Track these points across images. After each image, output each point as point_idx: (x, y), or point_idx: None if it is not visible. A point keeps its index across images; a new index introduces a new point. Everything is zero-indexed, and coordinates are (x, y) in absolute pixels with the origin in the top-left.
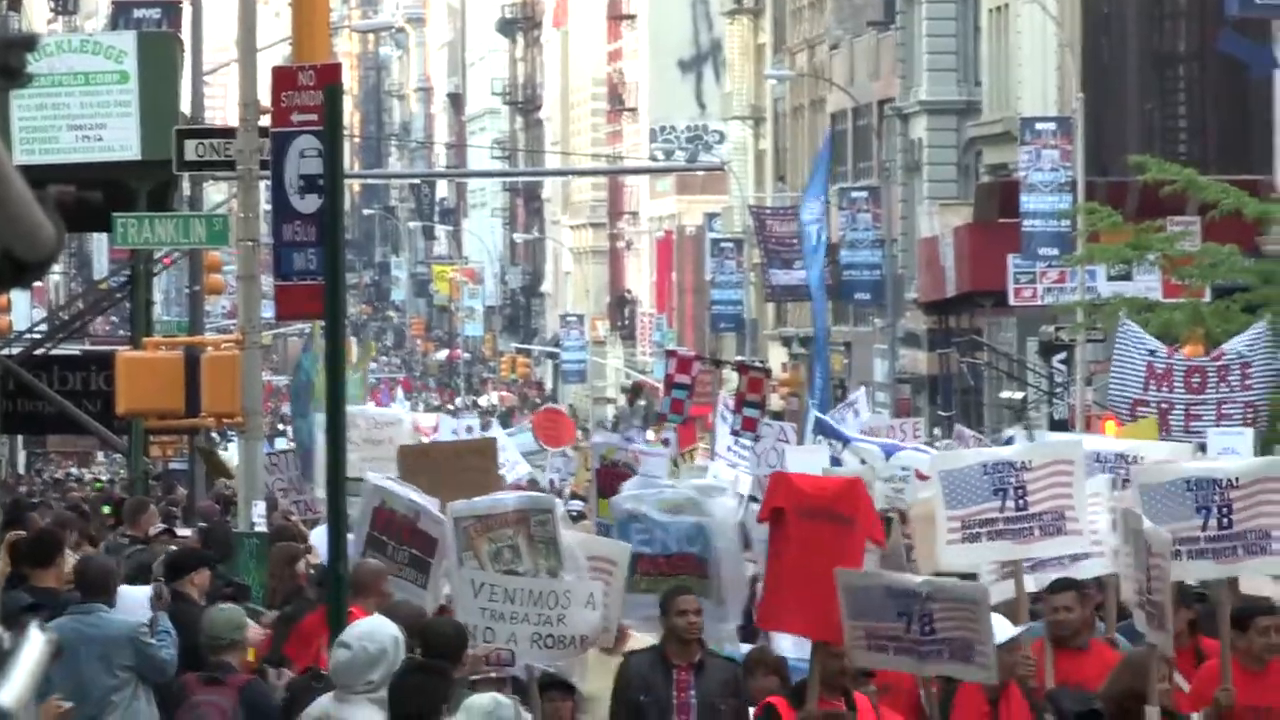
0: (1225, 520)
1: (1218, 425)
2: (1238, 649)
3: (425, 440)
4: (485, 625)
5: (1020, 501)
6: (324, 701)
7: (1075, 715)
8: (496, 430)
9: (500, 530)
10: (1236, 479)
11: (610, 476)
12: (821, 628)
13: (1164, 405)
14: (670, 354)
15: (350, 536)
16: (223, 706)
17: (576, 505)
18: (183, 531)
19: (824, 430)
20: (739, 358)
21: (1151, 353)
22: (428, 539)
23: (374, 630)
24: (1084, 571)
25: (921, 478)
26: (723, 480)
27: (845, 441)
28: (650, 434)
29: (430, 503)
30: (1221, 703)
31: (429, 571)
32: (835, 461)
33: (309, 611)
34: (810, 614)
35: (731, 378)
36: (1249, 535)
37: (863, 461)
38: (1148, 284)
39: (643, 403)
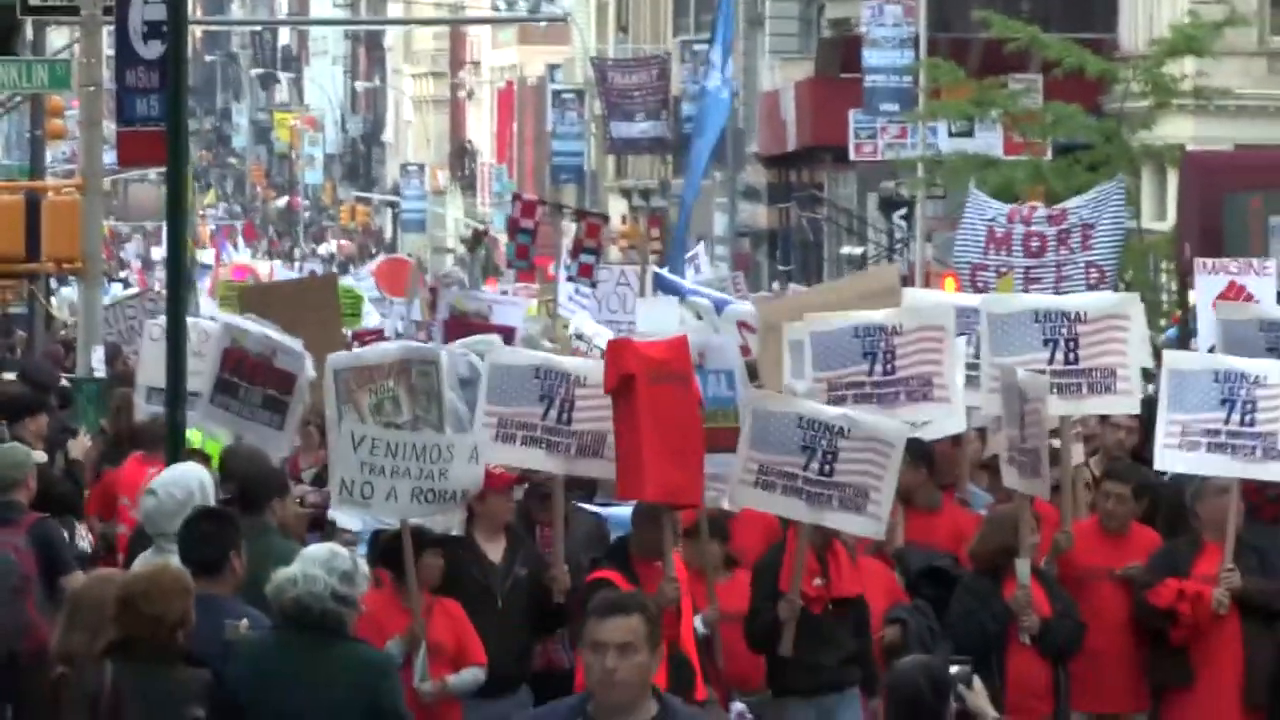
0: (1072, 355)
1: (1056, 287)
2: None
3: None
4: (364, 480)
5: (889, 365)
6: (147, 555)
7: (917, 573)
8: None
9: (381, 381)
10: (1084, 314)
11: (460, 328)
12: (681, 492)
13: (1002, 269)
14: (515, 197)
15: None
16: (17, 544)
17: None
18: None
19: (661, 285)
20: (574, 206)
21: (992, 219)
22: (285, 376)
23: (179, 477)
24: (931, 431)
25: (748, 329)
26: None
27: (681, 295)
28: (486, 288)
29: (287, 339)
30: (1060, 545)
31: (285, 412)
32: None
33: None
34: (670, 479)
35: (571, 230)
36: (1095, 373)
37: (698, 316)
38: (989, 141)
39: (483, 252)
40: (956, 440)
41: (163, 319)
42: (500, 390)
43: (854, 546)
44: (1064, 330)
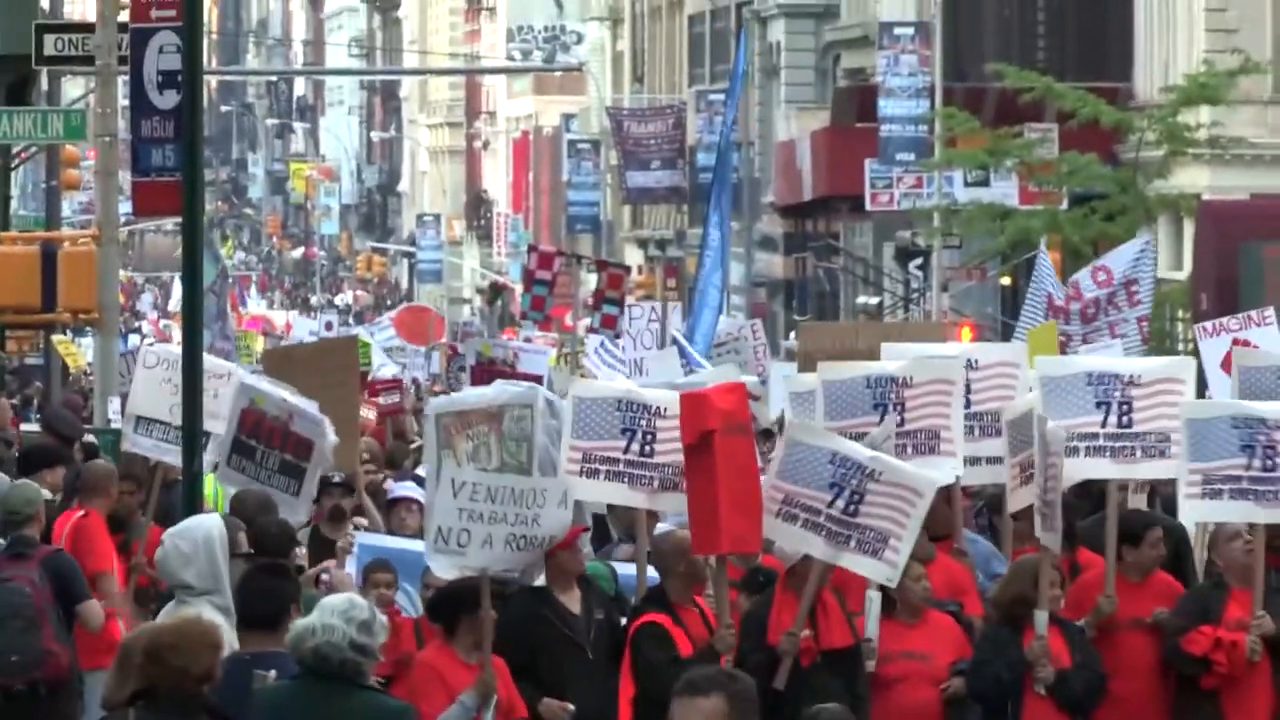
0: (1126, 419)
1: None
2: (1125, 562)
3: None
4: (461, 527)
5: (899, 418)
6: (169, 606)
7: None
8: (359, 331)
9: (478, 426)
10: (1138, 376)
11: (487, 374)
12: (746, 541)
13: (1062, 339)
14: (531, 249)
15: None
16: (31, 578)
17: None
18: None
19: (681, 352)
20: (595, 256)
21: (1052, 290)
22: (302, 442)
23: (189, 528)
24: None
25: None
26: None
27: (693, 367)
28: (504, 338)
29: (305, 403)
30: (1104, 610)
31: (302, 478)
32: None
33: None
34: (738, 530)
35: (589, 280)
36: (1149, 436)
37: None
38: (1005, 190)
39: (500, 304)
40: (947, 491)
41: (158, 346)
42: (583, 424)
43: (920, 601)
44: (1117, 393)
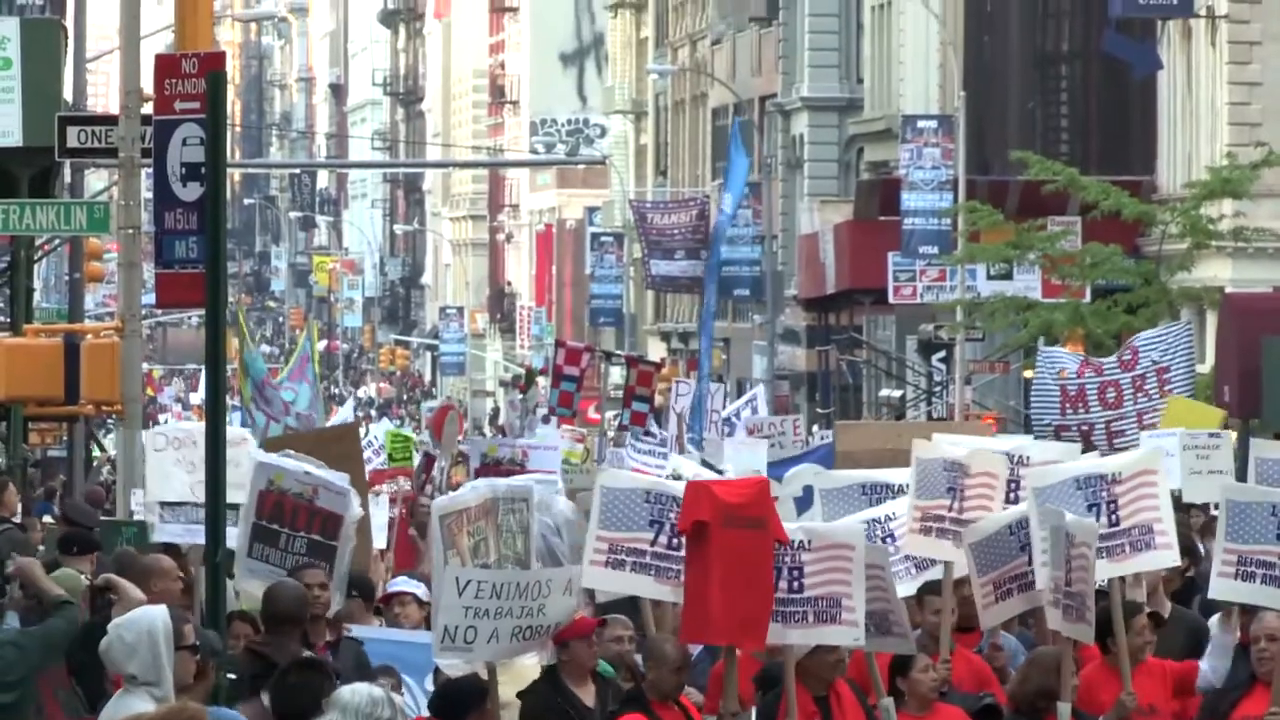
0: (1114, 517)
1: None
2: (1110, 653)
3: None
4: (468, 625)
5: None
6: (116, 696)
7: (973, 714)
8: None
9: (477, 523)
10: (1119, 473)
11: (493, 475)
12: (745, 635)
13: (1084, 427)
14: (559, 344)
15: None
16: None
17: None
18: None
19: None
20: (627, 353)
21: (1063, 378)
22: (330, 517)
23: (134, 619)
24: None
25: None
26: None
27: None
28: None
29: (331, 474)
30: (1127, 706)
31: (333, 559)
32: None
33: None
34: (734, 623)
35: (612, 372)
36: (1135, 530)
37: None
38: (1028, 283)
39: (542, 392)
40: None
41: (163, 428)
42: (610, 514)
43: (928, 691)
44: (1104, 493)
